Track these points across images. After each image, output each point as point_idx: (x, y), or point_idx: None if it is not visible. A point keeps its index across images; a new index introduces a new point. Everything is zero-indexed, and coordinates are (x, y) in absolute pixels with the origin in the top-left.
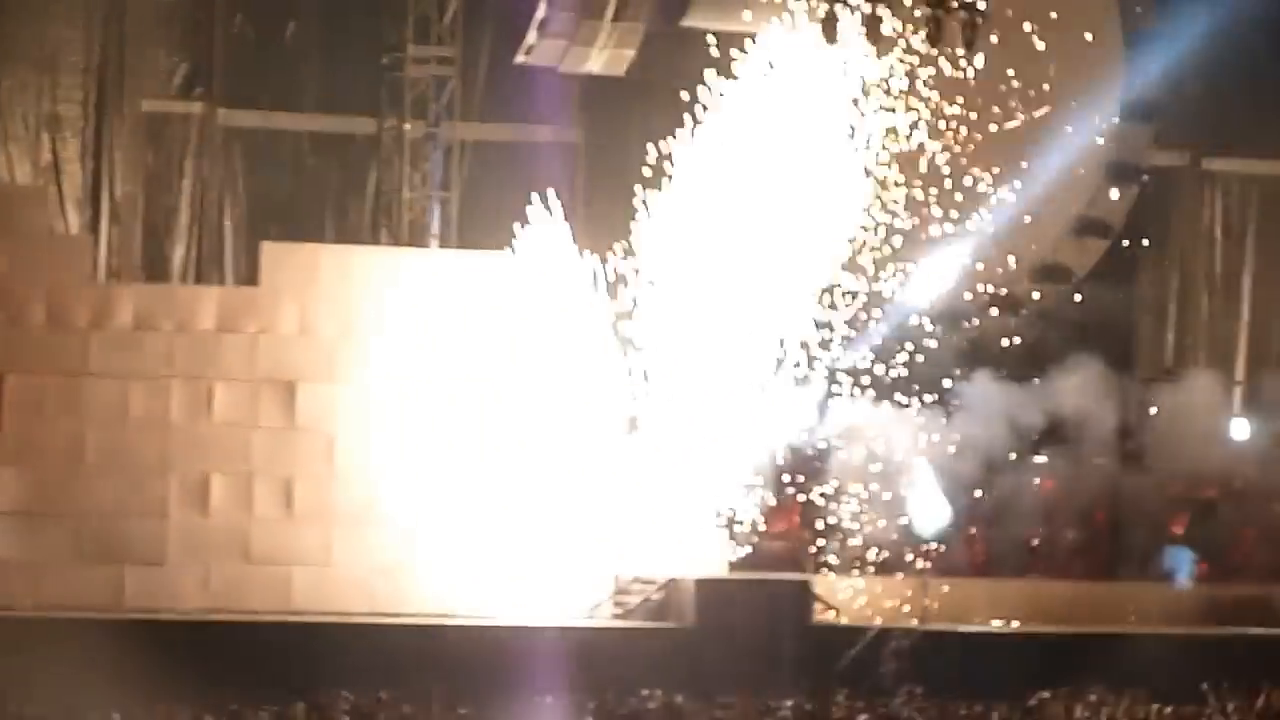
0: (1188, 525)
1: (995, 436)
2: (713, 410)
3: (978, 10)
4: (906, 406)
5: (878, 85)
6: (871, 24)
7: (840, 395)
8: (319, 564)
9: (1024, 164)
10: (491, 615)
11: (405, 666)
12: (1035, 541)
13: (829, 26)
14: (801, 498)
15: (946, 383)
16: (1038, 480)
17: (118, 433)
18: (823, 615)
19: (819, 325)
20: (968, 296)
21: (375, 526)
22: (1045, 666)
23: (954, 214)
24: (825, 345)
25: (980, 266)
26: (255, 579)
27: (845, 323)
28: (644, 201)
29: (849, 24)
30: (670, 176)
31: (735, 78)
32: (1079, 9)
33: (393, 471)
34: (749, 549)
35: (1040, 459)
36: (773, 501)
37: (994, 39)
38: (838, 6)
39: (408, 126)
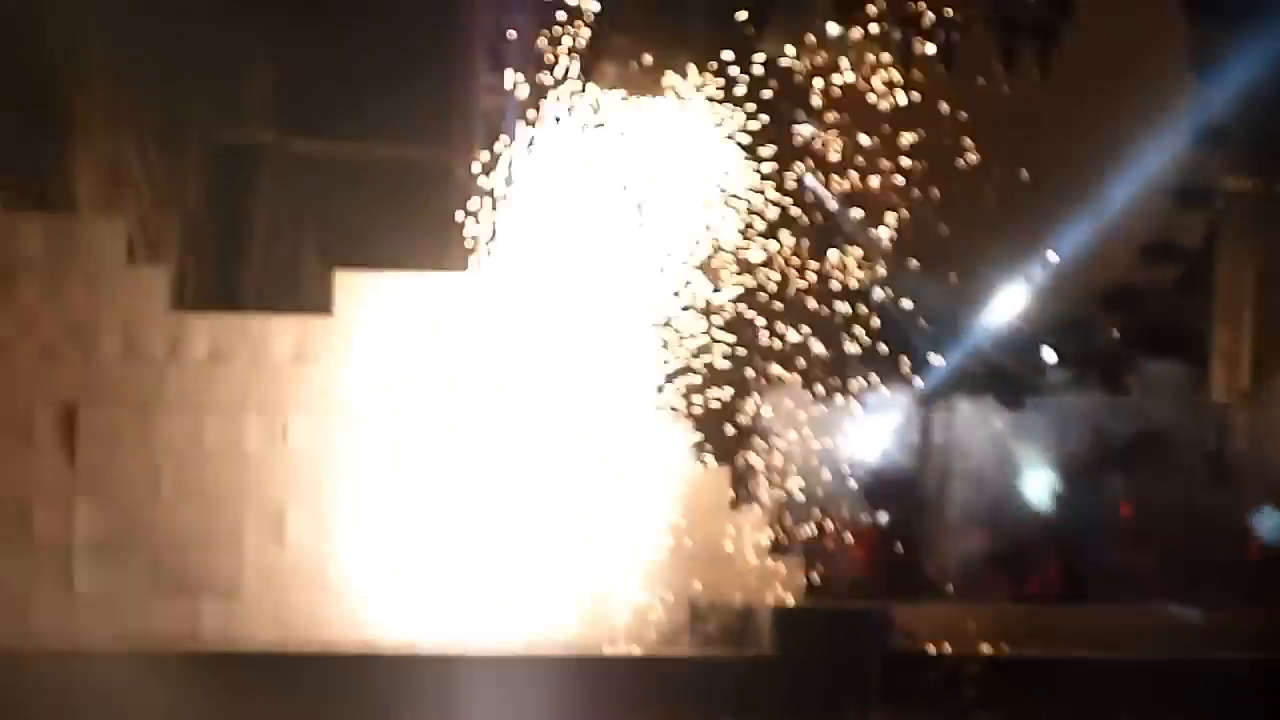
0: (1265, 549)
1: (1072, 455)
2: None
3: (1051, 36)
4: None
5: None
6: (947, 51)
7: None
8: (394, 595)
9: (1093, 189)
10: (567, 645)
11: (483, 699)
12: (1113, 565)
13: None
14: (880, 519)
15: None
16: (1115, 501)
17: (193, 464)
18: (903, 642)
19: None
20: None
21: (450, 557)
22: (1126, 694)
23: (1022, 239)
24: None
25: (1051, 289)
26: (333, 611)
27: (922, 339)
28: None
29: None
30: None
31: None
32: (1147, 34)
33: (469, 500)
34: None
35: (1118, 479)
36: (849, 524)
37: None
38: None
39: (479, 154)
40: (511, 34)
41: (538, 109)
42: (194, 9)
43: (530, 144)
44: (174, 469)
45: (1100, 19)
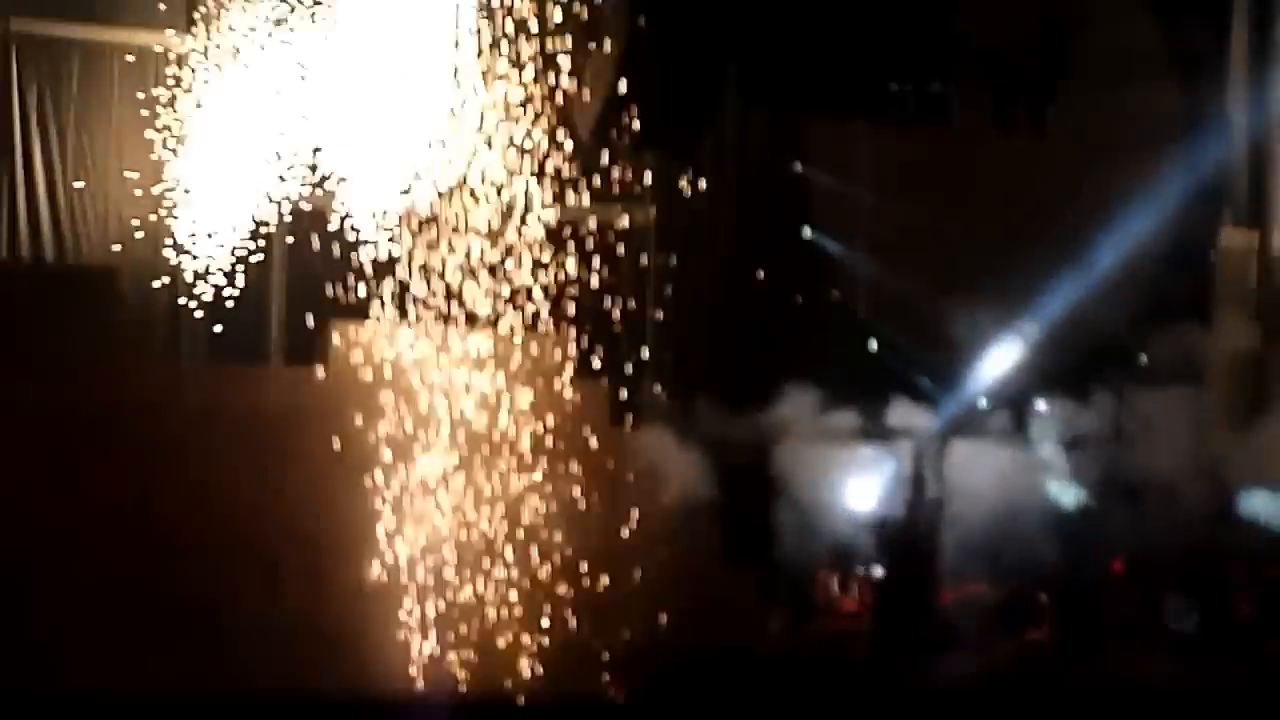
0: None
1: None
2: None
3: (1048, 94)
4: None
5: None
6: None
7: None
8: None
9: (1084, 247)
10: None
11: None
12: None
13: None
14: (875, 573)
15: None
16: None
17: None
18: None
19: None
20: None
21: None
22: None
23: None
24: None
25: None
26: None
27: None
28: None
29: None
30: None
31: None
32: (1141, 90)
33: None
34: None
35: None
36: (840, 576)
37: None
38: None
39: None
40: None
41: None
42: None
43: None
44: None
45: (1096, 75)
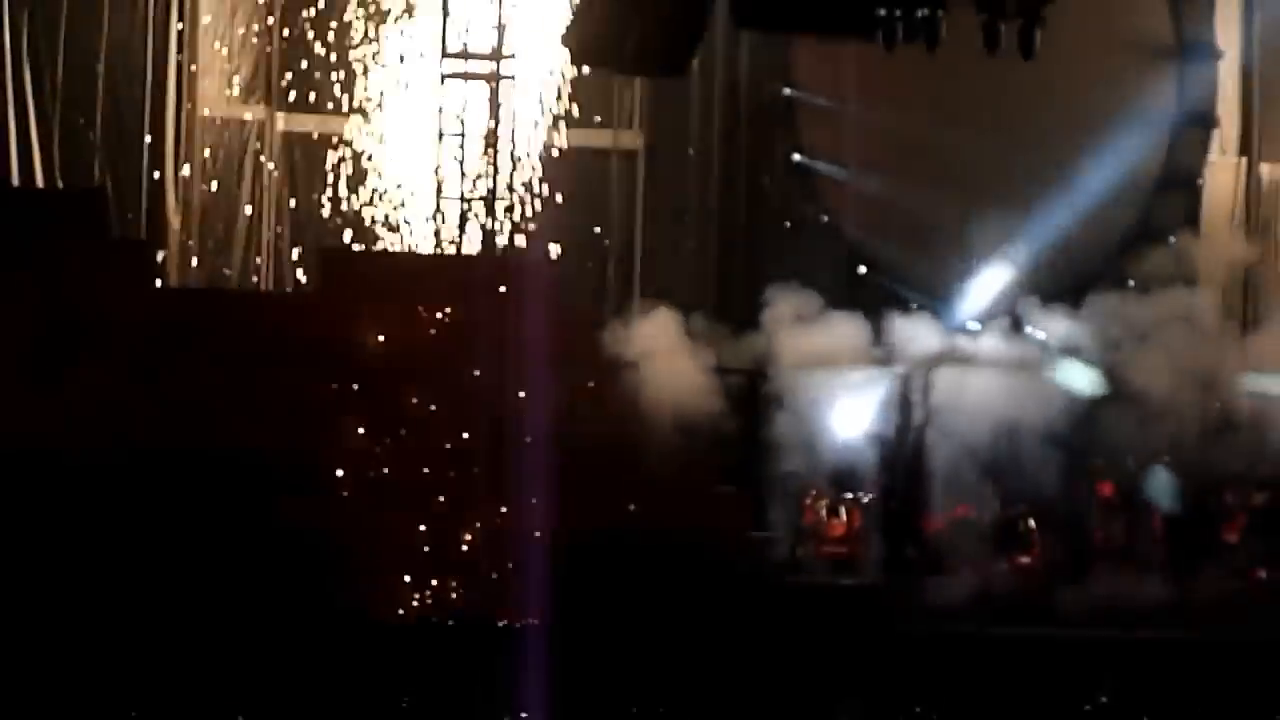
0: (1244, 533)
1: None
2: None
3: (1036, 17)
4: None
5: None
6: (927, 29)
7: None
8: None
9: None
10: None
11: None
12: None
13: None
14: (864, 498)
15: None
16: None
17: None
18: None
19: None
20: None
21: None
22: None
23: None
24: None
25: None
26: None
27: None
28: None
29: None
30: None
31: None
32: (1132, 17)
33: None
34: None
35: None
36: (828, 503)
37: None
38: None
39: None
40: None
41: None
42: None
43: None
44: None
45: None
